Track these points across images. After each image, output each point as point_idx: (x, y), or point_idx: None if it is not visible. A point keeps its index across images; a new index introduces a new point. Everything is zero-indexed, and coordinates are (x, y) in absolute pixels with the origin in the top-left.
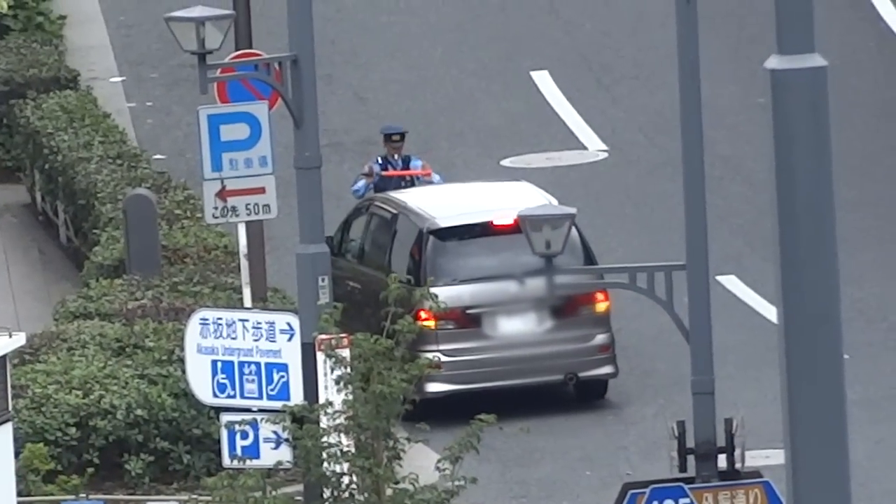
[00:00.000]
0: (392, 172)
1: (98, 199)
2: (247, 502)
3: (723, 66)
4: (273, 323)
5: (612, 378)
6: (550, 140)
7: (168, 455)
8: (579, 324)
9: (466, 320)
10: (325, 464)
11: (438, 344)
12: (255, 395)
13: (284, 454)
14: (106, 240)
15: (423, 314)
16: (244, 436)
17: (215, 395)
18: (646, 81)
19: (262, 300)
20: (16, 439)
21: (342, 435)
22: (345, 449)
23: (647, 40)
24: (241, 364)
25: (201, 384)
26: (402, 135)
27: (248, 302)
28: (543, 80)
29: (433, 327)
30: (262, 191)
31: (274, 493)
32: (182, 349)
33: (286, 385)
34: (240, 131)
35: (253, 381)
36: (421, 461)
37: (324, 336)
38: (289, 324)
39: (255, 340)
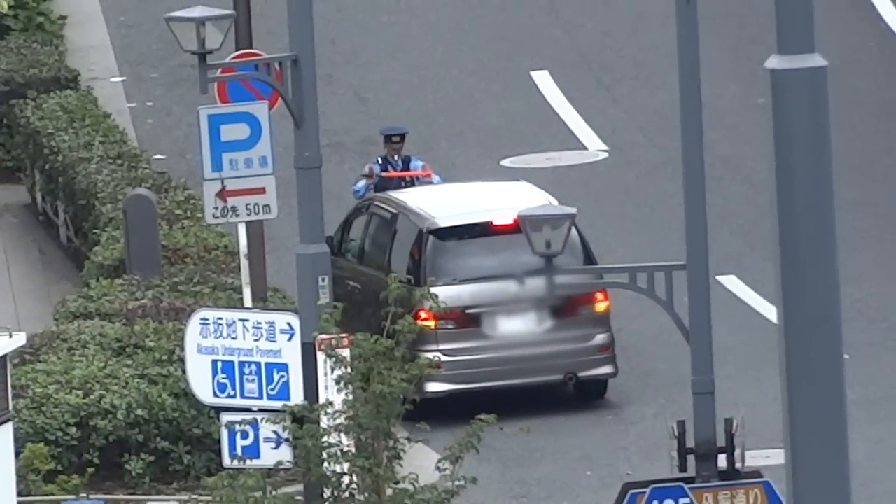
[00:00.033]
0: (392, 173)
1: (98, 199)
2: (247, 502)
3: (723, 66)
4: (273, 323)
5: (612, 378)
6: (550, 140)
7: (168, 455)
8: (579, 324)
9: (466, 320)
10: (326, 464)
11: (438, 344)
12: (256, 395)
13: (285, 454)
14: (106, 240)
15: (422, 314)
16: (244, 436)
17: (215, 395)
18: (646, 81)
19: (262, 300)
20: (16, 439)
21: (342, 435)
22: (345, 449)
23: (648, 40)
24: (242, 364)
25: (201, 384)
26: (403, 136)
27: (248, 302)
28: (543, 80)
29: (433, 327)
30: (262, 191)
31: (274, 492)
32: (182, 349)
33: (286, 385)
34: (240, 131)
35: (253, 380)
36: (421, 461)
37: (324, 336)
38: (289, 324)
39: (256, 340)
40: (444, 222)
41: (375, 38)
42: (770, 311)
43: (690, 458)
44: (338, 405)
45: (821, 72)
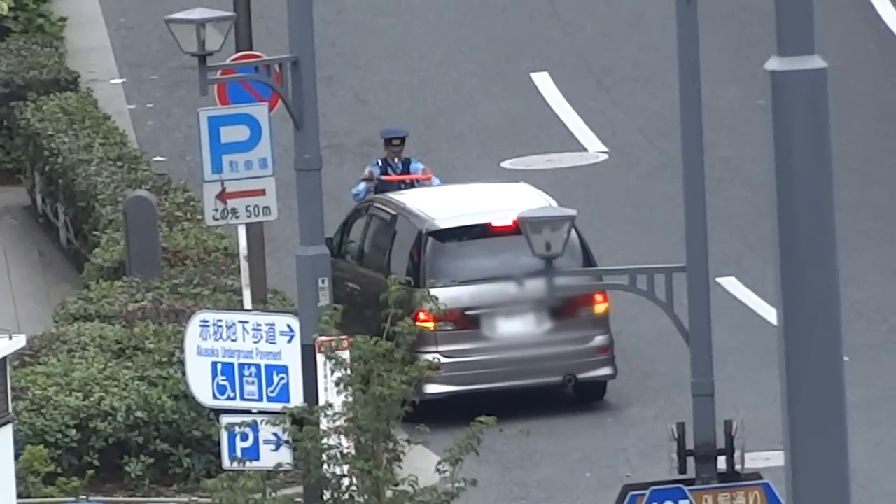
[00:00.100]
0: (392, 177)
1: (98, 200)
2: None
3: (723, 68)
4: (273, 325)
5: (611, 379)
6: (550, 142)
7: (168, 457)
8: (578, 325)
9: (465, 321)
10: (325, 466)
11: (437, 345)
12: (255, 397)
13: (284, 456)
14: (106, 242)
15: (422, 315)
16: (244, 438)
17: (215, 397)
18: (646, 83)
19: (262, 302)
20: (16, 441)
21: (342, 437)
22: (345, 451)
23: (648, 42)
24: (241, 366)
25: (201, 386)
26: (403, 139)
27: (248, 304)
28: (543, 81)
29: (432, 329)
30: (262, 192)
31: (274, 494)
32: (182, 351)
33: (286, 387)
34: (240, 133)
35: (253, 382)
36: (421, 463)
37: (324, 338)
38: (289, 325)
39: (255, 342)
40: (443, 224)
41: (375, 39)
42: (770, 313)
43: (690, 460)
44: (337, 407)
45: (821, 73)
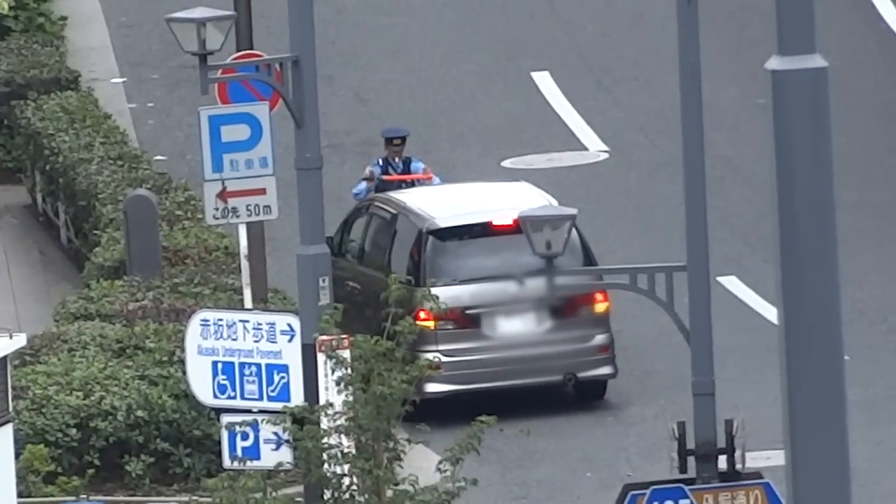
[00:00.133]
0: (393, 177)
1: (99, 200)
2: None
3: (724, 67)
4: (274, 324)
5: (612, 378)
6: (551, 141)
7: (168, 456)
8: (579, 324)
9: (466, 321)
10: (326, 465)
11: (438, 344)
12: (256, 397)
13: (285, 455)
14: (107, 241)
15: (422, 315)
16: (244, 437)
17: (216, 397)
18: (646, 82)
19: (262, 301)
20: (16, 440)
21: (342, 436)
22: (345, 450)
23: (648, 41)
24: (242, 365)
25: (202, 385)
26: (403, 138)
27: (248, 303)
28: (544, 80)
29: (433, 328)
30: (262, 192)
31: (274, 494)
32: (183, 350)
33: (286, 386)
34: (240, 132)
35: (253, 382)
36: (421, 462)
37: (324, 337)
38: (289, 325)
39: (256, 341)
40: (443, 223)
41: (376, 39)
42: (770, 313)
43: (691, 460)
44: (338, 406)
45: (821, 73)
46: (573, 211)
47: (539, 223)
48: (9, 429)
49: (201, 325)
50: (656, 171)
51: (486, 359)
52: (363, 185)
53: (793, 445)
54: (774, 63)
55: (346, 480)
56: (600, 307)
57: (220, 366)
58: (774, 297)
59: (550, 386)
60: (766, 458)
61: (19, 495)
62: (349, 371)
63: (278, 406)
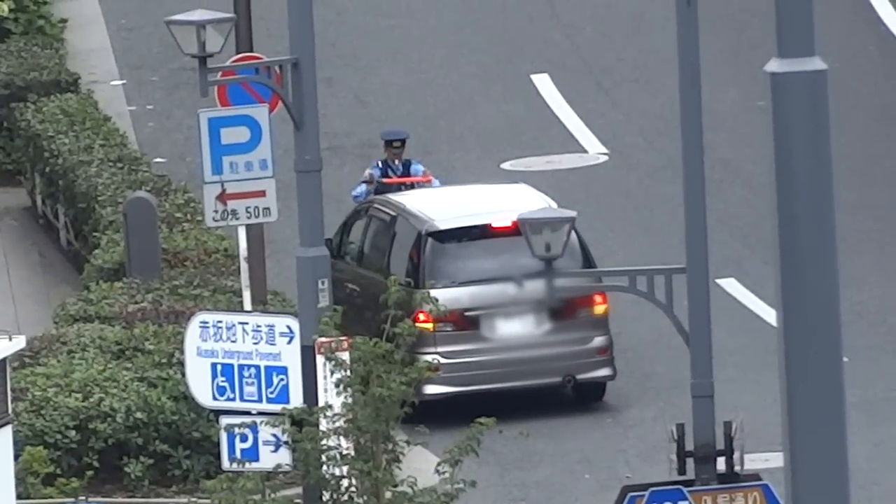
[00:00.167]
0: (392, 180)
1: (98, 202)
2: None
3: (723, 69)
4: (273, 326)
5: (610, 380)
6: (551, 143)
7: (167, 458)
8: (577, 326)
9: (465, 322)
10: (325, 467)
11: (437, 346)
12: (255, 399)
13: (284, 457)
14: (106, 243)
15: (421, 316)
16: (243, 439)
17: (215, 398)
18: (646, 84)
19: (262, 303)
20: (15, 442)
21: (341, 438)
22: (344, 452)
23: (648, 43)
24: (241, 367)
25: (201, 387)
26: (403, 141)
27: (247, 305)
28: (544, 83)
29: (432, 330)
30: (262, 194)
31: (273, 495)
32: (182, 352)
33: (286, 388)
34: (240, 134)
35: (252, 384)
36: (420, 464)
37: (323, 339)
38: (288, 327)
39: (255, 343)
40: (442, 225)
41: (375, 41)
42: (770, 315)
43: (689, 461)
44: (337, 408)
45: (821, 75)
46: (572, 213)
47: (538, 225)
48: (8, 430)
49: (200, 327)
50: (656, 173)
51: (485, 361)
52: (362, 187)
53: (792, 447)
54: (774, 65)
55: (345, 482)
56: (599, 309)
57: (219, 368)
58: (773, 299)
59: (549, 388)
60: (765, 460)
61: (18, 497)
62: (348, 373)
63: (277, 408)
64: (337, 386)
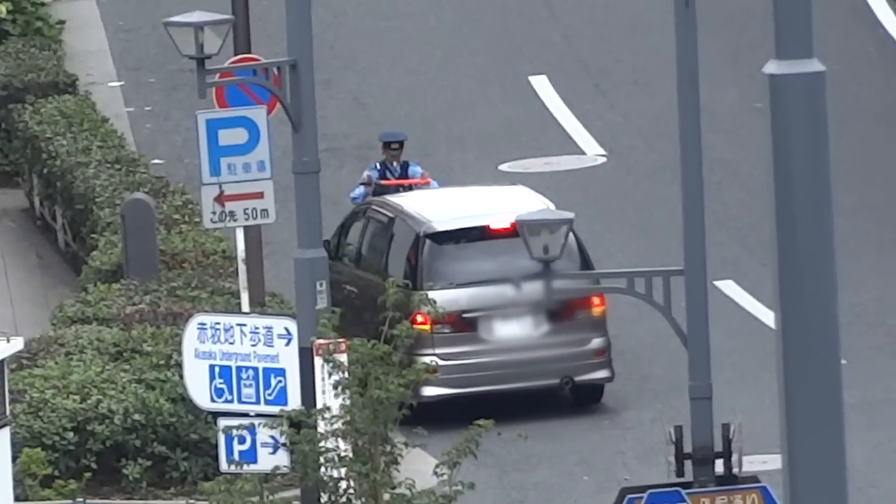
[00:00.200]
0: (390, 182)
1: (96, 203)
2: None
3: (721, 71)
4: (271, 328)
5: (608, 382)
6: (549, 145)
7: (165, 460)
8: (575, 328)
9: (463, 324)
10: (323, 468)
11: (435, 348)
12: (253, 400)
13: (282, 459)
14: (104, 244)
15: (419, 318)
16: (241, 440)
17: (213, 400)
18: (644, 86)
19: (260, 305)
20: (13, 444)
21: (339, 440)
22: (342, 454)
23: (646, 45)
24: (239, 369)
25: (199, 389)
26: (401, 143)
27: (246, 307)
28: (542, 84)
29: (429, 331)
30: (260, 195)
31: (271, 497)
32: (180, 354)
33: (284, 390)
34: (238, 136)
35: (250, 385)
36: (418, 466)
37: (321, 341)
38: (286, 328)
39: (253, 345)
40: (440, 226)
41: (374, 42)
42: (768, 317)
43: (688, 463)
44: (335, 410)
45: (819, 77)
46: (570, 215)
47: (536, 227)
48: (6, 432)
49: (198, 328)
50: (654, 174)
51: (483, 362)
52: (360, 189)
53: (790, 449)
54: (772, 67)
55: (343, 484)
56: (597, 311)
57: (217, 369)
58: (772, 301)
59: (547, 389)
60: (763, 462)
61: (16, 499)
62: (346, 375)
63: (275, 410)
64: (335, 388)
